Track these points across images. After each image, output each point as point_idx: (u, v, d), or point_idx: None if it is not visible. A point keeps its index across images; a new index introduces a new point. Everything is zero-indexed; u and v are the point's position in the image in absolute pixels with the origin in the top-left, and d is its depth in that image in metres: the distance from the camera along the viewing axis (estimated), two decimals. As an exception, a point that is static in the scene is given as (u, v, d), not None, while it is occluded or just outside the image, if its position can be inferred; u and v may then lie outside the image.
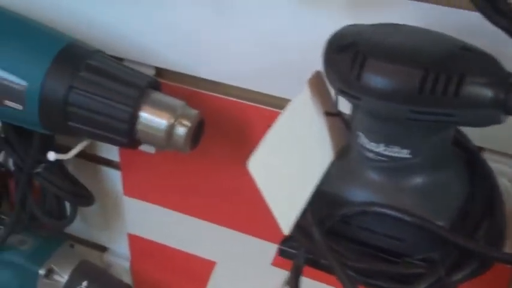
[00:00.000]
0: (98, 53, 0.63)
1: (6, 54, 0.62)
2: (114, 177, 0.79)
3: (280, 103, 0.63)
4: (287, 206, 0.46)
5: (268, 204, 0.45)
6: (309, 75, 0.60)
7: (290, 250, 0.51)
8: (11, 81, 0.62)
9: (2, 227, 0.79)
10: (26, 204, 0.76)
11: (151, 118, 0.61)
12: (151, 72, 0.68)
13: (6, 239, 0.76)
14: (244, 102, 0.65)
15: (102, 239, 0.86)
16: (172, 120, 0.60)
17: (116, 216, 0.82)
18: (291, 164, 0.47)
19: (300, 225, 0.47)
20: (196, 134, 0.62)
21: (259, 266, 0.74)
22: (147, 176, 0.76)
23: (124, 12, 0.66)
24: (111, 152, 0.77)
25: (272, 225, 0.71)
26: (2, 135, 0.74)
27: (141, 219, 0.80)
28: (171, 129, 0.60)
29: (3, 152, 0.84)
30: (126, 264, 0.84)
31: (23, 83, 0.61)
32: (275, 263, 0.72)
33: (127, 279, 0.85)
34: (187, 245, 0.78)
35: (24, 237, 0.79)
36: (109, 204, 0.81)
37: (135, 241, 0.82)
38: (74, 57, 0.62)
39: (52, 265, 0.77)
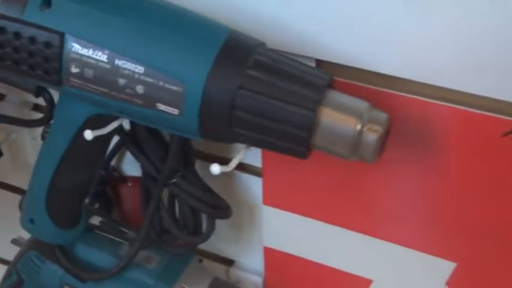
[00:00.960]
0: (263, 46, 0.53)
1: (160, 51, 0.52)
2: (252, 184, 0.70)
3: (482, 103, 0.53)
4: None
5: None
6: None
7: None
8: (167, 82, 0.52)
9: (121, 240, 0.71)
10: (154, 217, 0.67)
11: (335, 124, 0.51)
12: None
13: (135, 256, 0.67)
14: (433, 101, 0.55)
15: (231, 252, 0.77)
16: (359, 126, 0.51)
17: (250, 227, 0.73)
18: None
19: None
20: (384, 140, 0.52)
21: (427, 285, 0.65)
22: (293, 183, 0.67)
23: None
24: (249, 156, 0.68)
25: (447, 240, 0.62)
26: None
27: (281, 231, 0.70)
28: (358, 136, 0.51)
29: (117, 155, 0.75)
30: (258, 280, 0.75)
31: (181, 83, 0.52)
32: (451, 284, 0.63)
33: (258, 296, 0.76)
34: (337, 260, 0.69)
35: (149, 253, 0.70)
36: (243, 215, 0.72)
37: (271, 255, 0.72)
38: (238, 52, 0.52)
39: (184, 285, 0.69)
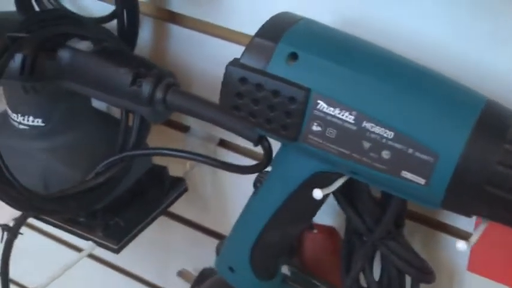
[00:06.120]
0: (516, 116, 0.50)
1: (414, 117, 0.49)
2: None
3: None
4: None
5: None
6: None
7: None
8: (418, 150, 0.49)
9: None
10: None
11: None
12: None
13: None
14: None
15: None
16: None
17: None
18: None
19: None
20: None
21: None
22: (508, 252, 0.62)
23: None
24: (453, 217, 0.64)
25: None
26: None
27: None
28: None
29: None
30: None
31: (434, 153, 0.49)
32: None
33: None
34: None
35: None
36: (441, 279, 0.68)
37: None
38: (496, 124, 0.49)
39: None
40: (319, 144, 0.52)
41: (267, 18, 0.66)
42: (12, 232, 0.68)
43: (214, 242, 0.85)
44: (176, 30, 0.74)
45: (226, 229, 0.85)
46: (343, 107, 0.50)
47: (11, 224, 0.69)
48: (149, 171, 0.74)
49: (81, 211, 0.66)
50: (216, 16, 0.71)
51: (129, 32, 0.72)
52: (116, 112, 0.75)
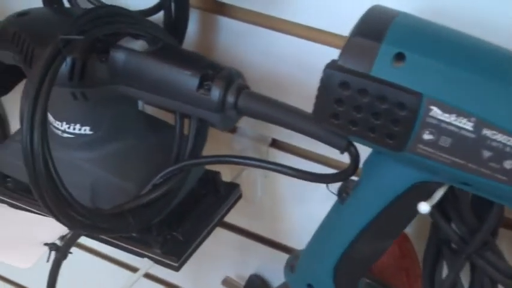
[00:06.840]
0: None
1: None
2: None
3: None
4: None
5: None
6: None
7: None
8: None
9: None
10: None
11: None
12: None
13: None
14: None
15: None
16: None
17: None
18: None
19: None
20: None
21: None
22: None
23: None
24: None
25: None
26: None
27: None
28: None
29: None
30: None
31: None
32: None
33: None
34: None
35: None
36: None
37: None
38: None
39: None
40: (429, 154, 0.46)
41: (323, 6, 0.61)
42: (62, 252, 0.62)
43: (261, 248, 0.81)
44: (225, 22, 0.68)
45: (276, 235, 0.80)
46: (460, 112, 0.45)
47: (58, 242, 0.63)
48: (201, 178, 0.68)
49: (139, 228, 0.60)
50: (269, 6, 0.65)
51: (177, 26, 0.66)
52: (152, 112, 0.69)
